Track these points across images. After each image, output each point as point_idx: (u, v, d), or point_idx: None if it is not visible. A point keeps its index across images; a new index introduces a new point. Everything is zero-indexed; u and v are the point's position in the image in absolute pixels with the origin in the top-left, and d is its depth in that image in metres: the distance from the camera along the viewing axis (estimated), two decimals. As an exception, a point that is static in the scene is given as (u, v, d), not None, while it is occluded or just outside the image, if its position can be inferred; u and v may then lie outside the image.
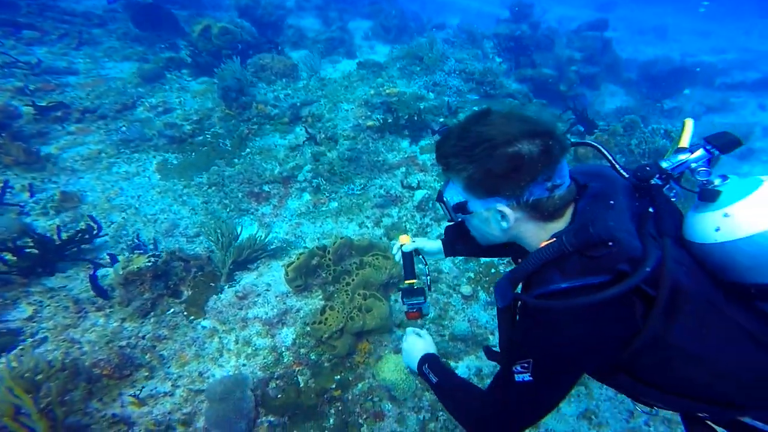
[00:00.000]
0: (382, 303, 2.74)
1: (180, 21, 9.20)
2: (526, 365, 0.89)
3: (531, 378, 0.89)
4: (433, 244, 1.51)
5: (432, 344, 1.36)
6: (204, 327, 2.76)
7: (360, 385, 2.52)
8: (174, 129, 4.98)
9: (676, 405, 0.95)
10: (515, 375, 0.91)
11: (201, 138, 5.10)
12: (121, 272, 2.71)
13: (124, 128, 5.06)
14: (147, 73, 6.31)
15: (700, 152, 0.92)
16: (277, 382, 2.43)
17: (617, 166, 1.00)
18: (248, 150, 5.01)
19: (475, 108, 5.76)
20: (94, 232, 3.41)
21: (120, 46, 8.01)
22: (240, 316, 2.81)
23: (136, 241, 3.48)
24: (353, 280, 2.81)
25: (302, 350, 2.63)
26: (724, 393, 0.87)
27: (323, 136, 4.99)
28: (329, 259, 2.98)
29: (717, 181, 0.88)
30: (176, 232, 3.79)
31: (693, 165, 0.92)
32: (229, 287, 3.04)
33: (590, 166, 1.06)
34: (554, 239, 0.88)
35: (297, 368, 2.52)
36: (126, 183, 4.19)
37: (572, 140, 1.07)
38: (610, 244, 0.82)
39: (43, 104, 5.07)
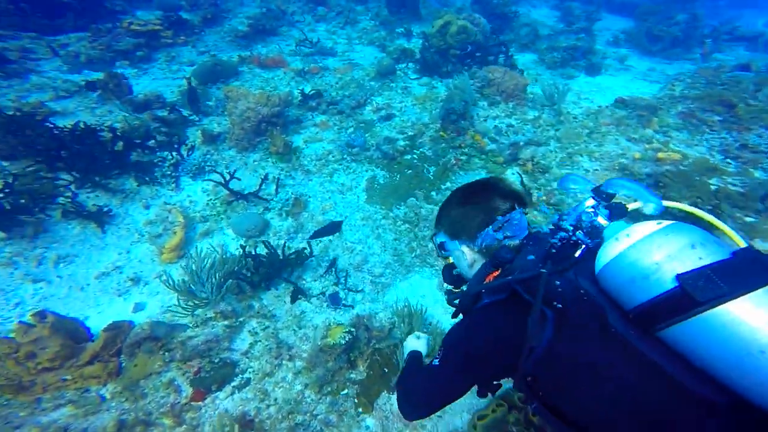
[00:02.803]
0: None
1: (419, 3, 8.33)
2: (440, 353, 1.01)
3: (438, 363, 0.99)
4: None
5: (424, 346, 1.47)
6: (368, 428, 2.32)
7: None
8: (390, 144, 4.46)
9: None
10: (433, 360, 1.01)
11: (409, 157, 4.46)
12: (319, 343, 2.44)
13: (351, 130, 4.86)
14: (383, 68, 5.86)
15: (591, 201, 0.96)
16: None
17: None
18: (449, 184, 4.12)
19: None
20: (307, 253, 3.33)
21: (370, 27, 7.77)
22: (403, 440, 2.24)
23: (335, 275, 3.26)
24: None
25: None
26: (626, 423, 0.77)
27: (544, 198, 3.60)
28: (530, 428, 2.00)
29: (604, 223, 0.92)
30: (364, 268, 3.42)
31: (588, 210, 0.94)
32: (398, 390, 2.49)
33: None
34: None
35: None
36: (339, 197, 3.99)
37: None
38: (509, 266, 0.93)
39: (308, 91, 5.24)
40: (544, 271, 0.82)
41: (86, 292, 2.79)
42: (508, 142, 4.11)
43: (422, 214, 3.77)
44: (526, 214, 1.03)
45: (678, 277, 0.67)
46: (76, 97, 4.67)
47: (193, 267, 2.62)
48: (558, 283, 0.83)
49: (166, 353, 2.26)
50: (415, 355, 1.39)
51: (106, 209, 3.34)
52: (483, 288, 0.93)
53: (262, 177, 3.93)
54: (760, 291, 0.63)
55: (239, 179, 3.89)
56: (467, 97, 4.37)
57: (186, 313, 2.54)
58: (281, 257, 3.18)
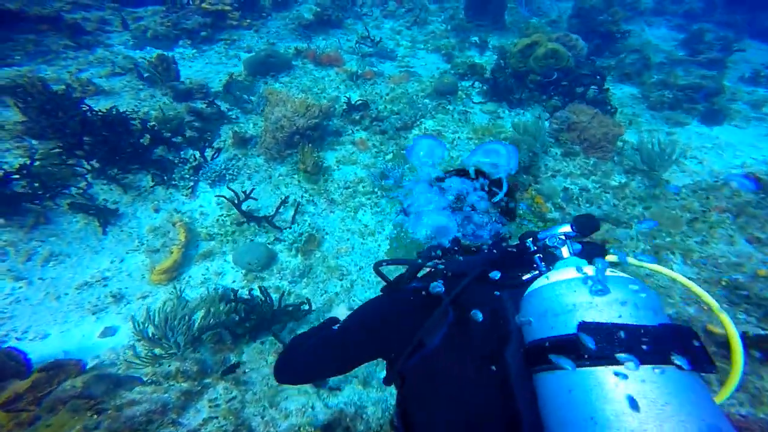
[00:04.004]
0: None
1: (505, 10, 7.33)
2: (343, 321, 0.97)
3: (336, 328, 0.95)
4: None
5: None
6: None
7: None
8: (431, 185, 3.80)
9: None
10: (334, 326, 0.98)
11: (451, 204, 3.77)
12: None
13: (390, 157, 4.27)
14: (443, 86, 5.14)
15: (566, 229, 0.90)
16: None
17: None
18: (492, 249, 3.39)
19: None
20: (306, 308, 2.86)
21: (440, 32, 7.02)
22: None
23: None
24: None
25: None
26: None
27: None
28: None
29: (566, 254, 0.83)
30: (367, 336, 2.89)
31: (558, 237, 0.89)
32: None
33: None
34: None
35: None
36: (358, 242, 3.44)
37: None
38: (440, 264, 0.90)
39: (354, 101, 4.73)
40: (460, 287, 0.80)
41: (60, 302, 2.61)
42: (576, 213, 3.23)
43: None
44: (504, 225, 0.99)
45: (580, 324, 0.62)
46: (128, 75, 4.65)
47: (166, 312, 2.27)
48: (479, 294, 0.80)
49: (94, 416, 1.92)
50: (332, 318, 1.26)
51: (113, 207, 3.16)
52: (416, 274, 0.93)
53: (282, 199, 3.52)
54: (643, 367, 0.56)
55: (255, 199, 3.52)
56: (538, 147, 3.53)
57: (144, 364, 2.22)
58: (277, 307, 2.75)
